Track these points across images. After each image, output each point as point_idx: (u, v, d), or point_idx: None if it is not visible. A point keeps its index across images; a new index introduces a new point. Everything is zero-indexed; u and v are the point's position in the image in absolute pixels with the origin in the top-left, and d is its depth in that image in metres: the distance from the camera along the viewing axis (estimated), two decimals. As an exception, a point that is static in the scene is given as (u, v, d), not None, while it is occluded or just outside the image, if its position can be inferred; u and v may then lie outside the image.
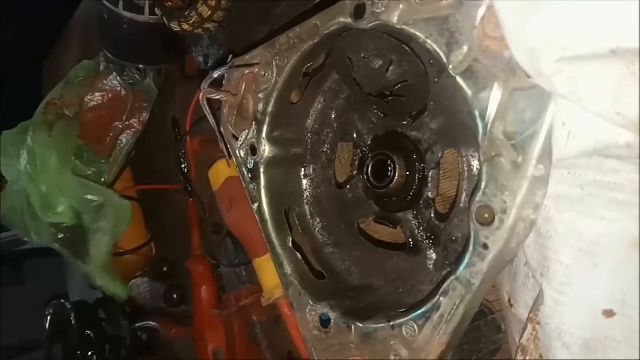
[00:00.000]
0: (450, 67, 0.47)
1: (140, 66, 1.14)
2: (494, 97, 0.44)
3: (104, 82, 1.20)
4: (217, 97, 0.68)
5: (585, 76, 0.35)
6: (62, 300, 1.40)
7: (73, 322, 1.35)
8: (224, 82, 0.69)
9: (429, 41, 0.48)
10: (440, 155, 0.60)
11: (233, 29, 0.90)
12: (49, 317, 1.38)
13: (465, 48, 0.46)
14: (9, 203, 1.24)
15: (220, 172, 0.94)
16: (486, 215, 0.46)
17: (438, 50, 0.47)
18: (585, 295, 0.45)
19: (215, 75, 0.66)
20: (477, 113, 0.45)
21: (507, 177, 0.44)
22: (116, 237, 1.14)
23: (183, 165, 1.14)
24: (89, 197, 1.13)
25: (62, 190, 1.13)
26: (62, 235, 1.23)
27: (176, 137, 1.17)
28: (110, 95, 1.21)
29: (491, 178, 0.45)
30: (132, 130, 1.23)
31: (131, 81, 1.18)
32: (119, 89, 1.20)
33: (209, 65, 0.94)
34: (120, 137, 1.23)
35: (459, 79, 0.46)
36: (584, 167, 0.43)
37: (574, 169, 0.43)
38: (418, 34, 0.49)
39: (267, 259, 0.82)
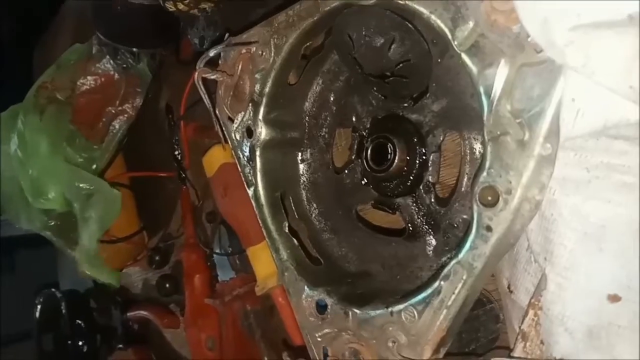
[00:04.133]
0: (455, 43, 0.45)
1: (134, 50, 1.11)
2: (501, 74, 0.43)
3: (97, 65, 1.17)
4: (212, 77, 0.66)
5: (599, 47, 0.34)
6: (53, 290, 1.38)
7: (63, 311, 1.33)
8: (219, 61, 0.68)
9: (433, 16, 0.47)
10: (441, 139, 0.59)
11: (229, 9, 0.88)
12: (38, 307, 1.36)
13: (471, 23, 0.44)
14: (3, 189, 1.21)
15: (214, 159, 0.92)
16: (489, 197, 0.45)
17: (443, 26, 0.46)
18: (590, 280, 0.44)
19: (212, 53, 0.64)
20: (482, 90, 0.44)
21: (512, 156, 0.42)
22: (105, 228, 1.11)
23: (176, 152, 1.12)
24: (80, 184, 1.10)
25: (52, 176, 1.11)
26: (53, 222, 1.20)
27: (169, 123, 1.15)
28: (102, 79, 1.18)
29: (496, 157, 0.43)
30: (125, 115, 1.20)
31: (124, 65, 1.16)
32: (111, 72, 1.17)
33: (204, 47, 0.92)
34: (113, 123, 1.20)
35: (464, 56, 0.45)
36: (591, 148, 0.42)
37: (580, 151, 0.42)
38: (422, 9, 0.47)
39: (261, 247, 0.81)
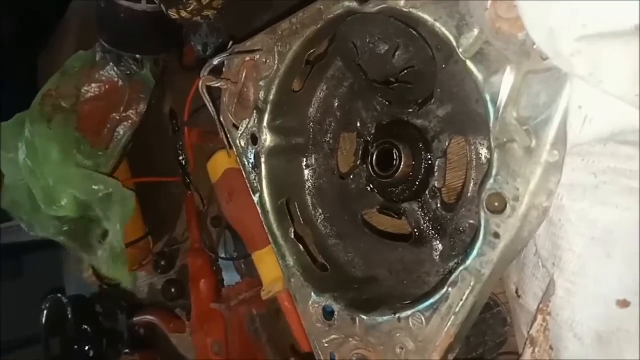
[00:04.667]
0: (460, 50, 0.45)
1: (137, 56, 1.11)
2: (506, 81, 0.42)
3: (100, 72, 1.18)
4: (216, 85, 0.66)
5: (606, 56, 0.34)
6: (59, 295, 1.39)
7: (69, 316, 1.34)
8: (223, 69, 0.68)
9: (437, 24, 0.47)
10: (447, 144, 0.58)
11: (233, 16, 0.88)
12: (45, 312, 1.37)
13: (476, 31, 0.44)
14: (10, 196, 1.22)
15: (219, 164, 0.92)
16: (496, 203, 0.45)
17: (447, 33, 0.46)
18: (598, 285, 0.44)
19: (215, 61, 0.64)
20: (487, 97, 0.44)
21: (519, 163, 0.42)
22: (123, 226, 1.12)
23: (181, 157, 1.12)
24: (96, 187, 1.11)
25: (67, 183, 1.11)
26: (67, 227, 1.21)
27: (173, 129, 1.16)
28: (106, 86, 1.19)
29: (502, 164, 0.43)
30: (129, 121, 1.20)
31: (128, 71, 1.16)
32: (115, 79, 1.18)
33: (207, 53, 0.92)
34: (117, 129, 1.20)
35: (468, 63, 0.45)
36: (598, 154, 0.42)
37: (587, 156, 0.42)
38: (426, 16, 0.47)
39: (267, 251, 0.81)
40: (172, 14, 0.86)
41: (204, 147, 1.03)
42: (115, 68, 1.17)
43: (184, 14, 0.85)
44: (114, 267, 1.14)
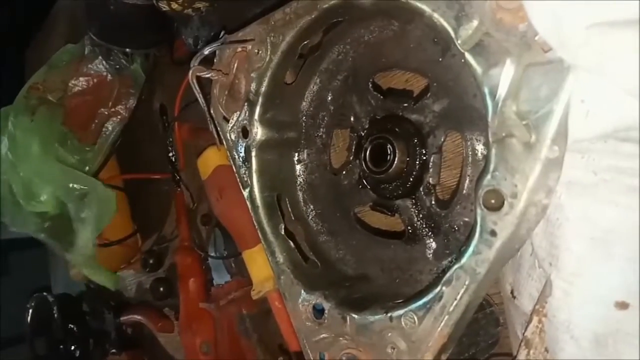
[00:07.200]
0: (459, 42, 0.44)
1: (127, 50, 1.09)
2: (506, 74, 0.41)
3: (89, 66, 1.15)
4: (207, 76, 0.64)
5: (617, 46, 0.32)
6: (44, 293, 1.36)
7: (56, 315, 1.32)
8: (215, 60, 0.66)
9: (435, 15, 0.45)
10: (442, 140, 0.57)
11: (225, 9, 0.86)
12: (30, 311, 1.34)
13: (476, 22, 0.43)
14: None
15: (209, 161, 0.91)
16: (493, 200, 0.43)
17: (445, 24, 0.45)
18: (597, 286, 0.43)
19: (207, 51, 0.63)
20: (486, 91, 0.42)
21: (518, 159, 0.41)
22: (100, 228, 1.10)
23: (171, 154, 1.10)
24: (73, 185, 1.08)
25: (44, 178, 1.09)
26: (48, 224, 1.18)
27: (164, 125, 1.14)
28: (95, 81, 1.16)
29: (501, 160, 0.42)
30: (118, 117, 1.18)
31: (117, 66, 1.14)
32: (104, 74, 1.15)
33: (198, 47, 0.90)
34: (106, 124, 1.18)
35: (467, 55, 0.43)
36: (599, 151, 0.41)
37: (587, 153, 0.41)
38: (424, 7, 0.46)
39: (257, 250, 0.80)
40: (163, 6, 0.84)
41: (195, 144, 1.02)
42: (104, 62, 1.14)
43: (175, 6, 0.83)
44: (90, 271, 1.12)
